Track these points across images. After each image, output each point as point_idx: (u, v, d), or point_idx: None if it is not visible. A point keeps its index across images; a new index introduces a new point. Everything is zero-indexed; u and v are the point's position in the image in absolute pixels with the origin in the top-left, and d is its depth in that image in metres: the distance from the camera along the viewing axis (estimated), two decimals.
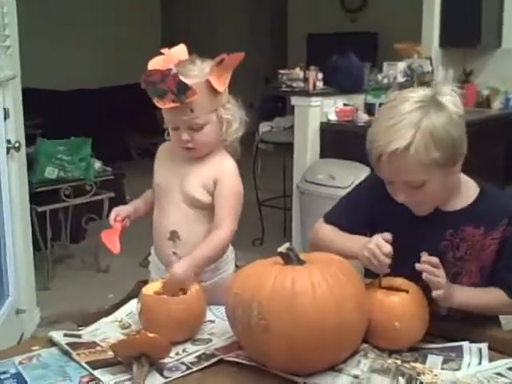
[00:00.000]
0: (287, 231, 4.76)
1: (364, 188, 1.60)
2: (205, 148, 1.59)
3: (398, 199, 1.38)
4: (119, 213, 1.66)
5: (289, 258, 1.26)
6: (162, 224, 1.64)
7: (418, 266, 1.31)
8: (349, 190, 4.20)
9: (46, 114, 5.87)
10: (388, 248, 1.33)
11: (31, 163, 3.44)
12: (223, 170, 1.59)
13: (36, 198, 3.49)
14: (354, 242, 1.43)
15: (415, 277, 1.33)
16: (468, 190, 1.45)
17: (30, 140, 3.41)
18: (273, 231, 4.73)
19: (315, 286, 1.17)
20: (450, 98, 1.32)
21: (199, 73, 1.51)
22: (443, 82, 1.35)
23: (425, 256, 1.32)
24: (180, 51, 1.58)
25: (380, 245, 1.34)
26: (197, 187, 1.59)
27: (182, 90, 1.47)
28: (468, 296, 1.41)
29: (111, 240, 1.60)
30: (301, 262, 1.26)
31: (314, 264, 1.25)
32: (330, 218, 1.57)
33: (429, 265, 1.31)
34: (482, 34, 4.84)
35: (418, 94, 1.33)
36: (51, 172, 3.59)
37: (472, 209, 1.43)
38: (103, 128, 6.40)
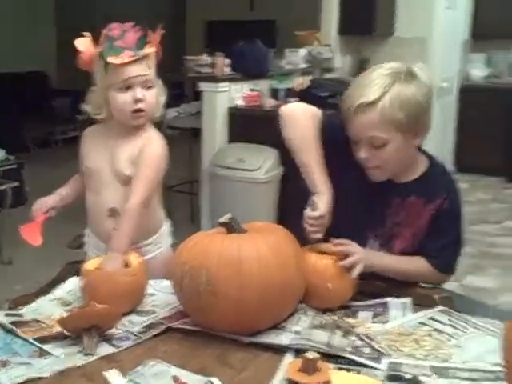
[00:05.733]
0: (194, 216, 4.81)
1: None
2: (149, 112, 1.62)
3: (359, 156, 1.47)
4: (44, 204, 1.64)
5: (231, 228, 1.33)
6: (98, 204, 1.65)
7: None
8: (257, 172, 4.21)
9: None
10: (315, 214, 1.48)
11: None
12: (148, 142, 1.62)
13: None
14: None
15: (362, 234, 1.43)
16: (419, 165, 1.56)
17: None
18: (179, 217, 4.75)
19: (259, 250, 1.25)
20: (423, 71, 1.43)
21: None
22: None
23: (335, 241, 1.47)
24: None
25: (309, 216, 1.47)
26: (126, 164, 1.61)
27: (142, 43, 1.52)
28: (388, 262, 1.53)
29: (31, 233, 1.59)
30: (243, 231, 1.33)
31: (255, 232, 1.33)
32: None
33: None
34: (377, 23, 5.08)
35: (391, 65, 1.46)
36: None
37: (418, 182, 1.55)
38: None
